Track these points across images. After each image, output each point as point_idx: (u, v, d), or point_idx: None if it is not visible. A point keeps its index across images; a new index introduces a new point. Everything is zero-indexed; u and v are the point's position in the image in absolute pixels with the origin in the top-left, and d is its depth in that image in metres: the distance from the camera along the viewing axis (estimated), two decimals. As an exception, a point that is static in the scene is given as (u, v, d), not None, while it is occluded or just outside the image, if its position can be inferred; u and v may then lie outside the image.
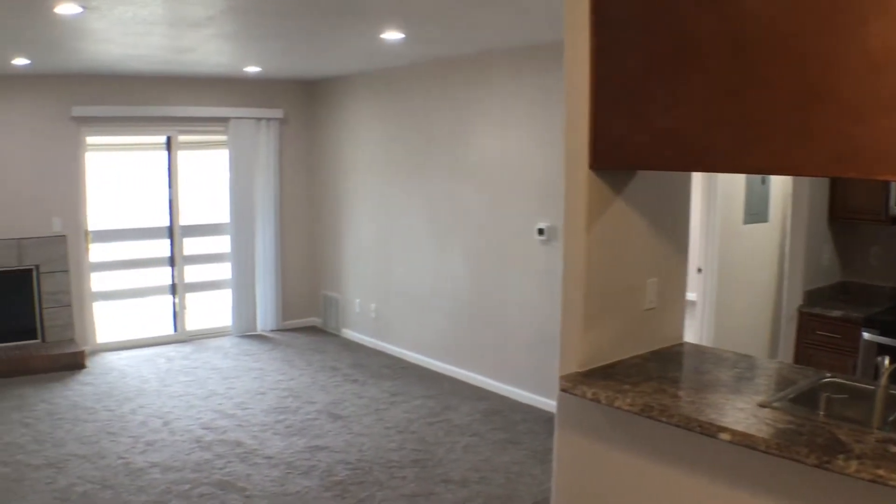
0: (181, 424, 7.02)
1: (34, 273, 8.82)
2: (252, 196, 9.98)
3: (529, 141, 6.86)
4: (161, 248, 9.96)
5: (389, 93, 8.61)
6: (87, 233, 9.07)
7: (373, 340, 9.35)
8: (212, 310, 10.45)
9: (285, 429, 6.90)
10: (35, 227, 8.72)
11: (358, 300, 9.72)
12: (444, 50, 7.09)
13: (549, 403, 6.51)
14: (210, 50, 7.11)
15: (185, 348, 9.65)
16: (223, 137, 9.46)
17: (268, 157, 10.03)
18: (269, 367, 8.88)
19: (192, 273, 10.03)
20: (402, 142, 8.51)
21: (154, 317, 9.79)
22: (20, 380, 8.18)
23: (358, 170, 9.27)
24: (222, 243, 10.15)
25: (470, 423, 6.72)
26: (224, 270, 10.11)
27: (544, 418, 6.64)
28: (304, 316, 10.79)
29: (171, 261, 9.85)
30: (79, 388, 8.00)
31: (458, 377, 8.00)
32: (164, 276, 10.09)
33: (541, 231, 6.82)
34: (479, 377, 7.71)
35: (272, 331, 10.43)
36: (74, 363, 8.62)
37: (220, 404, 7.59)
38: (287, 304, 10.57)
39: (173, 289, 9.95)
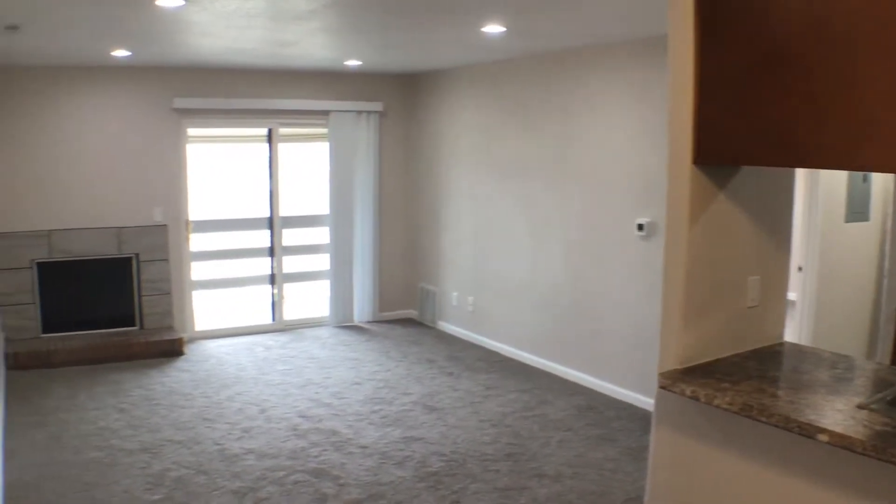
0: (277, 412, 6.92)
1: (134, 261, 8.85)
2: (351, 188, 9.80)
3: (630, 135, 6.62)
4: (261, 239, 9.94)
5: (489, 86, 8.39)
6: (187, 223, 9.06)
7: (469, 333, 9.11)
8: (309, 300, 10.37)
9: (380, 419, 6.75)
10: (136, 216, 8.76)
11: (455, 293, 9.40)
12: (544, 43, 6.91)
13: (644, 401, 6.41)
14: (312, 44, 7.01)
15: (283, 337, 9.58)
16: (323, 130, 9.41)
17: (367, 150, 9.86)
18: (365, 357, 8.73)
19: (290, 263, 9.94)
20: (501, 135, 8.28)
21: (252, 306, 9.74)
22: (118, 366, 8.20)
23: (456, 163, 9.07)
24: (321, 234, 10.08)
25: (564, 419, 6.50)
26: (322, 261, 10.04)
27: (639, 416, 6.43)
28: (401, 308, 10.56)
29: (271, 251, 9.81)
30: (176, 375, 7.98)
31: (554, 372, 7.76)
32: (263, 266, 10.06)
33: (640, 227, 6.57)
34: (575, 372, 7.49)
35: (369, 322, 10.29)
36: (172, 350, 8.61)
37: (316, 393, 7.47)
38: (384, 296, 10.42)
39: (272, 279, 9.88)
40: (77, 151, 8.16)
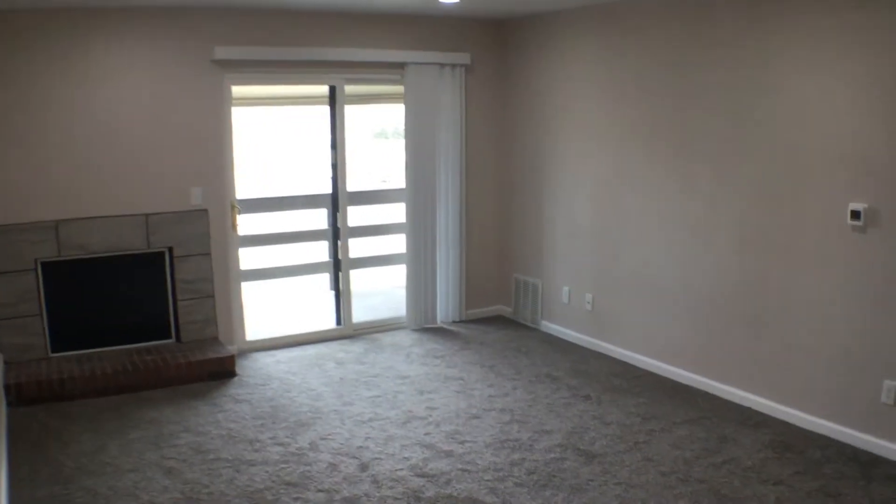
0: (385, 468, 5.07)
1: (167, 257, 6.98)
2: (432, 159, 7.91)
3: (840, 96, 5.08)
4: (318, 220, 8.34)
5: (618, 34, 6.73)
6: (233, 206, 7.16)
7: (586, 338, 7.53)
8: (379, 293, 8.96)
9: (528, 476, 4.93)
10: (168, 199, 6.87)
11: (567, 288, 7.81)
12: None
13: (852, 436, 5.21)
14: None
15: (355, 347, 7.70)
16: (397, 89, 7.74)
17: (452, 113, 7.97)
18: (468, 374, 6.87)
19: (357, 248, 8.23)
20: (638, 97, 6.63)
21: (310, 303, 8.73)
22: (153, 396, 6.30)
23: (570, 131, 7.39)
24: (389, 213, 8.48)
25: (763, 464, 4.99)
26: (393, 245, 8.34)
27: (848, 455, 5.06)
28: (490, 304, 8.78)
29: (334, 234, 8.01)
30: (232, 409, 6.10)
31: (717, 393, 6.20)
32: (320, 252, 8.60)
33: (855, 214, 5.07)
34: (744, 394, 5.99)
35: (455, 323, 8.45)
36: (222, 370, 6.73)
37: (426, 434, 5.61)
38: (471, 290, 8.58)
39: (336, 270, 8.03)
40: (91, 119, 6.41)
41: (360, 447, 5.35)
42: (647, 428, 5.63)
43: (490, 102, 8.34)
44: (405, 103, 7.79)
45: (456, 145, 8.05)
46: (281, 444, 5.39)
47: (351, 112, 7.81)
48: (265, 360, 7.21)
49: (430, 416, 5.92)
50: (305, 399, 6.27)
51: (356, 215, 8.11)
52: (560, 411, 5.98)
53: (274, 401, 6.23)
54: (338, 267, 7.90)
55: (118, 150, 6.58)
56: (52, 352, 6.61)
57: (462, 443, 5.41)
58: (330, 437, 5.54)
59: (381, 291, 9.29)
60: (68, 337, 6.68)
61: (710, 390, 6.27)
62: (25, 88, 6.21)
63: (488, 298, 8.73)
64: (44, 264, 6.47)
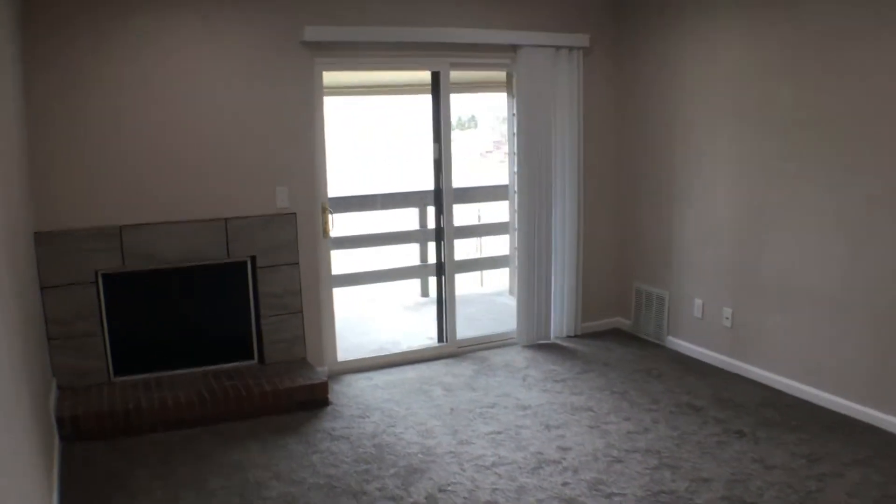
0: None
1: (249, 267, 6.07)
2: (547, 152, 6.94)
3: None
4: (405, 221, 8.00)
5: (761, 2, 5.72)
6: (324, 208, 6.22)
7: (724, 359, 6.43)
8: (475, 302, 7.98)
9: None
10: (251, 201, 5.96)
11: (699, 300, 6.71)
12: None
13: None
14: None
15: (463, 368, 6.69)
16: (495, 76, 7.27)
17: (568, 101, 6.96)
18: (597, 403, 5.84)
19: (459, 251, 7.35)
20: (790, 76, 5.52)
21: (400, 315, 7.97)
22: (235, 429, 5.38)
23: (705, 120, 6.34)
24: (491, 211, 7.76)
25: None
26: (489, 249, 7.69)
27: None
28: (606, 316, 7.71)
29: (438, 235, 7.00)
30: (328, 448, 5.14)
31: (882, 426, 5.13)
32: (410, 257, 8.24)
33: None
34: None
35: (568, 338, 7.39)
36: (313, 399, 5.78)
37: (564, 484, 4.57)
38: (587, 301, 7.47)
39: (440, 276, 7.02)
40: (162, 110, 5.55)
41: (489, 502, 4.34)
42: (815, 472, 4.59)
43: (610, 89, 7.27)
44: (517, 90, 6.79)
45: (573, 138, 6.99)
46: (393, 500, 4.41)
47: (422, 101, 7.02)
48: (361, 385, 6.25)
49: (564, 459, 4.90)
50: (414, 436, 5.29)
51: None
52: (714, 452, 4.93)
53: (377, 437, 5.27)
54: (441, 272, 6.91)
55: (193, 145, 5.68)
56: (115, 375, 5.75)
57: (609, 496, 4.38)
58: (450, 487, 4.55)
59: (478, 298, 8.38)
60: (133, 359, 5.79)
61: (877, 423, 5.22)
62: (87, 77, 5.36)
63: (604, 310, 7.66)
64: (105, 276, 5.58)
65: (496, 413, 5.65)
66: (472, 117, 10.13)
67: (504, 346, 7.18)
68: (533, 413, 5.62)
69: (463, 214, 7.94)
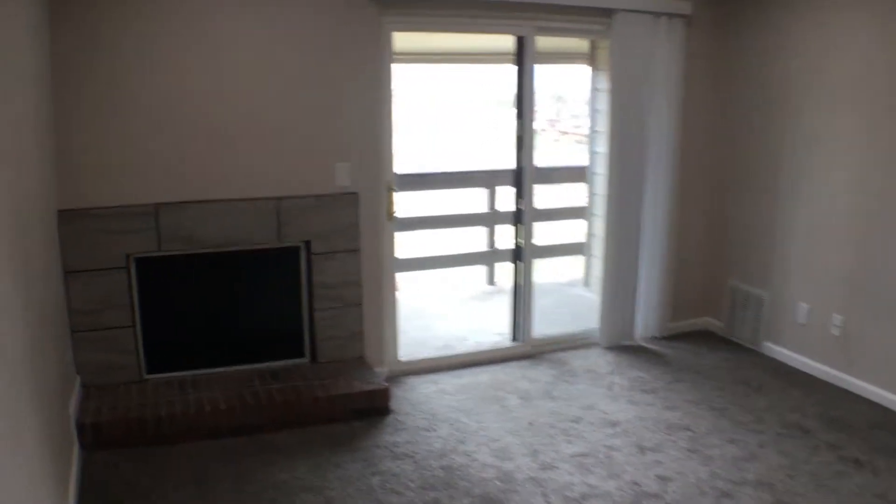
0: None
1: (302, 254, 5.32)
2: (641, 134, 6.13)
3: None
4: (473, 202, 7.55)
5: None
6: (389, 187, 5.44)
7: (830, 371, 5.67)
8: (546, 293, 7.07)
9: None
10: (306, 179, 5.20)
11: (804, 304, 5.88)
12: None
13: None
14: None
15: (540, 372, 5.92)
16: (577, 45, 6.82)
17: (667, 76, 6.13)
18: (694, 420, 5.07)
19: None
20: None
21: (464, 307, 7.24)
22: (281, 440, 4.68)
23: (823, 102, 5.52)
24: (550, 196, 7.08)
25: None
26: (563, 235, 7.09)
27: None
28: (695, 315, 6.89)
29: (517, 218, 6.22)
30: (390, 469, 4.42)
31: None
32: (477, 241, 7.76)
33: None
34: None
35: (654, 339, 6.59)
36: (372, 407, 5.05)
37: (671, 526, 3.63)
38: (676, 298, 6.65)
39: (517, 264, 6.25)
40: (206, 75, 4.83)
41: (583, 551, 3.44)
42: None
43: (710, 65, 6.41)
44: (611, 61, 6.00)
45: (668, 117, 6.16)
46: (467, 539, 3.50)
47: (474, 71, 6.54)
48: (425, 390, 5.53)
49: (665, 492, 4.16)
50: (488, 456, 4.56)
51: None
52: (831, 485, 4.20)
53: (446, 457, 4.54)
54: (518, 258, 6.16)
55: (240, 115, 4.93)
56: (147, 373, 5.08)
57: (728, 546, 3.44)
58: (535, 526, 3.62)
59: (550, 289, 7.57)
60: (168, 355, 5.11)
61: None
62: (118, 37, 4.65)
63: (693, 309, 6.84)
64: (139, 261, 4.89)
65: (581, 430, 4.91)
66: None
67: (584, 347, 6.41)
68: (623, 431, 4.88)
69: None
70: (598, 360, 6.12)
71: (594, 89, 7.27)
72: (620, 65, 5.93)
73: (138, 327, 4.94)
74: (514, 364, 6.02)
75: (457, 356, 6.00)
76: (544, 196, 6.89)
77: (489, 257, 7.99)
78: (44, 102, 4.20)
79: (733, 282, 6.57)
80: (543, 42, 6.09)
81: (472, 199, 8.23)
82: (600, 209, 7.05)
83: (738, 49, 6.28)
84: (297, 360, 5.39)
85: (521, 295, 6.13)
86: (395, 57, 5.33)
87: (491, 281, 8.14)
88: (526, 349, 6.18)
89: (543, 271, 7.84)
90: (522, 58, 5.80)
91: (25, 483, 2.66)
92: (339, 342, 5.42)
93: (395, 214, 5.45)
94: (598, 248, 7.17)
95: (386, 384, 5.10)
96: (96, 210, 4.67)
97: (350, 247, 5.32)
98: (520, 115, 5.91)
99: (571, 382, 5.67)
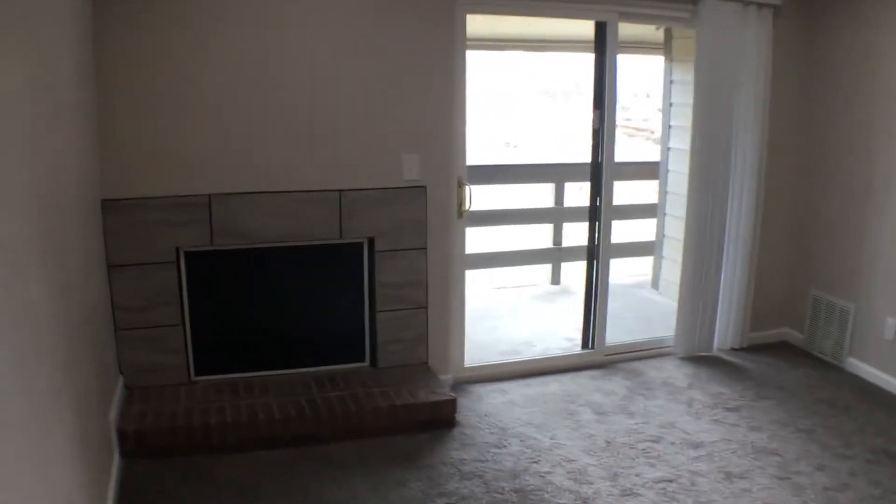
0: None
1: (365, 251, 4.94)
2: (727, 130, 5.66)
3: None
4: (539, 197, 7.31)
5: None
6: (460, 182, 5.04)
7: None
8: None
9: None
10: (371, 170, 4.79)
11: (894, 320, 5.36)
12: None
13: None
14: None
15: (614, 384, 5.51)
16: (651, 35, 6.48)
17: (755, 69, 5.62)
18: (782, 444, 4.62)
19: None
20: None
21: (533, 306, 6.92)
22: (338, 453, 4.33)
23: None
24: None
25: None
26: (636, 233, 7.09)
27: None
28: (773, 326, 6.39)
29: (594, 215, 5.74)
30: (458, 491, 4.03)
31: None
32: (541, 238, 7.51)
33: None
34: None
35: (733, 350, 6.12)
36: (437, 418, 4.66)
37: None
38: (757, 307, 6.17)
39: (592, 264, 5.80)
40: (262, 58, 4.44)
41: None
42: None
43: (801, 59, 5.93)
44: (697, 52, 5.54)
45: (756, 112, 5.71)
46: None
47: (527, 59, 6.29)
48: (492, 400, 5.14)
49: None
50: (564, 478, 4.17)
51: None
52: None
53: (518, 478, 4.15)
54: (594, 257, 5.74)
55: (300, 101, 4.55)
56: (196, 374, 4.74)
57: None
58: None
59: (617, 291, 6.91)
60: (219, 355, 4.77)
61: None
62: (168, 13, 4.30)
63: (772, 319, 6.36)
64: (189, 255, 4.54)
65: (662, 451, 4.50)
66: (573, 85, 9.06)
67: (658, 356, 5.98)
68: (707, 454, 4.47)
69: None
70: (675, 371, 5.69)
71: (670, 82, 6.89)
72: (708, 55, 5.48)
73: (187, 326, 4.60)
74: (585, 374, 5.61)
75: (525, 362, 5.60)
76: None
77: (554, 255, 7.61)
78: (85, 89, 3.86)
79: (816, 291, 6.08)
80: (640, 27, 5.89)
81: (535, 195, 7.89)
82: (673, 208, 6.80)
83: (828, 42, 5.81)
84: (356, 365, 5.03)
85: (595, 299, 5.70)
86: (472, 42, 4.99)
87: (555, 280, 7.74)
88: (597, 357, 5.77)
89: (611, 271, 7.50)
90: (603, 46, 5.37)
91: (61, 494, 2.44)
92: (402, 346, 5.03)
93: (466, 211, 5.01)
94: (669, 249, 6.90)
95: (453, 395, 4.73)
96: (144, 200, 4.31)
97: (416, 245, 4.93)
98: (598, 106, 5.49)
99: (648, 397, 5.24)
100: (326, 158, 4.63)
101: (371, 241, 4.86)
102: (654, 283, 7.54)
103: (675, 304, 5.86)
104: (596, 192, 5.65)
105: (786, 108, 5.88)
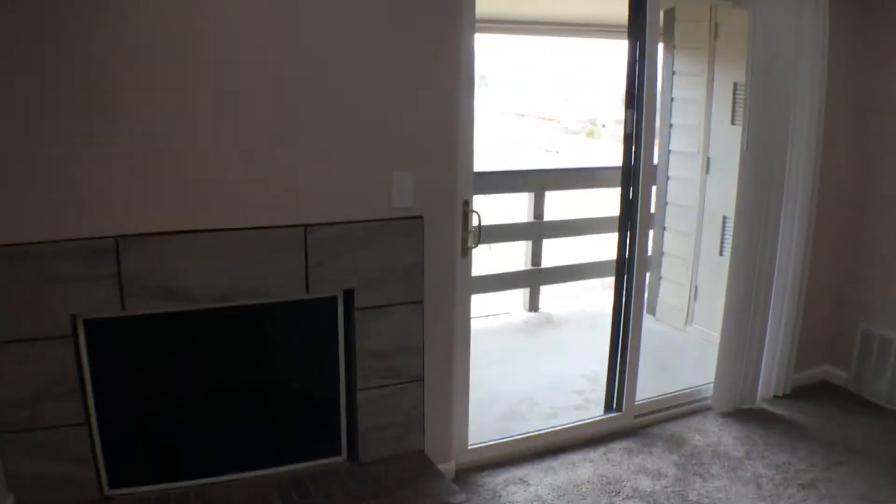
0: None
1: (341, 308, 3.61)
2: (783, 135, 4.62)
3: None
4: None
5: None
6: (467, 206, 3.76)
7: None
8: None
9: None
10: (349, 197, 3.46)
11: None
12: None
13: None
14: None
15: (658, 459, 4.36)
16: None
17: (808, 66, 4.57)
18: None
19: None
20: None
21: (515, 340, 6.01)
22: None
23: None
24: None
25: None
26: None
27: None
28: (812, 365, 5.43)
29: (628, 226, 4.59)
30: None
31: None
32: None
33: None
34: None
35: (775, 398, 5.12)
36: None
37: None
38: (802, 345, 5.18)
39: (625, 278, 4.60)
40: (192, 28, 3.08)
41: None
42: None
43: (857, 56, 4.96)
44: (751, 41, 4.47)
45: (812, 112, 4.68)
46: None
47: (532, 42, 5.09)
48: (512, 497, 3.91)
49: None
50: None
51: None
52: None
53: None
54: (629, 273, 4.55)
55: (250, 98, 3.21)
56: (111, 487, 3.38)
57: None
58: None
59: (600, 318, 5.85)
60: (142, 461, 3.45)
61: None
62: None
63: (813, 357, 5.41)
64: (91, 325, 3.17)
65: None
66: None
67: (694, 413, 4.91)
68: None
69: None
70: (722, 434, 4.62)
71: (671, 73, 6.03)
72: (762, 46, 4.44)
73: (93, 424, 3.28)
74: (617, 446, 4.47)
75: (539, 436, 4.41)
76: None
77: (530, 278, 6.67)
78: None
79: (866, 325, 5.21)
80: (595, 9, 5.23)
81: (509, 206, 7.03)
82: (674, 221, 6.21)
83: (888, 31, 4.90)
84: (330, 461, 3.73)
85: (626, 344, 4.56)
86: (481, 24, 3.81)
87: (534, 306, 6.68)
88: (627, 421, 4.63)
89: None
90: (641, 30, 4.28)
91: None
92: (391, 433, 3.78)
93: (472, 248, 3.81)
94: (669, 269, 6.24)
95: (464, 500, 3.48)
96: (26, 248, 2.96)
97: (410, 297, 3.65)
98: (631, 105, 4.38)
99: (705, 477, 4.14)
100: (285, 181, 3.32)
101: (349, 295, 3.55)
102: (651, 308, 6.47)
103: (677, 333, 5.52)
104: (628, 199, 4.58)
105: (839, 106, 4.98)
